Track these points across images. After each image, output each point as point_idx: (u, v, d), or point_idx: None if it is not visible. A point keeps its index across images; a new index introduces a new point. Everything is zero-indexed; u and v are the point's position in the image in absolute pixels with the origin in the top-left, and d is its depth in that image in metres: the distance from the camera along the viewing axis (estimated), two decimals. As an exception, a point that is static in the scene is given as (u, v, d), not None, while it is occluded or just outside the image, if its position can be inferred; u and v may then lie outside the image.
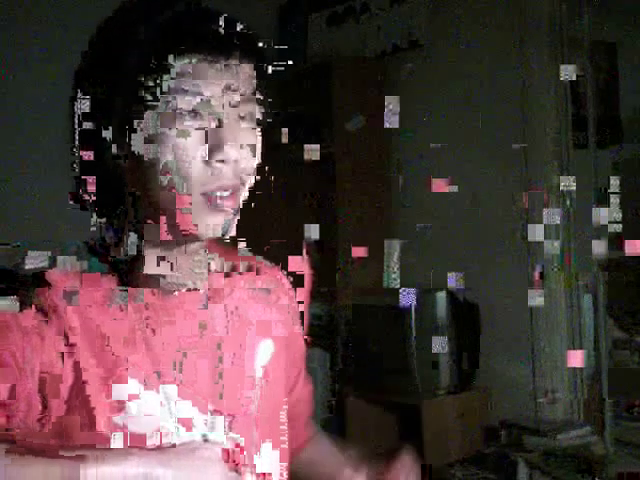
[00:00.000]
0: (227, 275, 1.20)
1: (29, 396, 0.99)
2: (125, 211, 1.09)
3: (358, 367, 3.40)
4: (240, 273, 1.23)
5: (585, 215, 3.35)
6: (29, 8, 3.49)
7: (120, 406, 1.04)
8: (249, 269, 1.25)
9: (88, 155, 1.06)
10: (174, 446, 0.99)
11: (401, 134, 3.69)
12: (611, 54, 4.42)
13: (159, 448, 0.99)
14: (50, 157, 3.53)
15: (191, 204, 1.03)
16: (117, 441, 1.00)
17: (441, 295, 3.22)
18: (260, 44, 1.08)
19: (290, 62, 1.13)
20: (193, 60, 1.00)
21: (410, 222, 3.66)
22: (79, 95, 1.05)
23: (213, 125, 1.02)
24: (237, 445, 1.10)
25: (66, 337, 1.02)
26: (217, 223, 1.05)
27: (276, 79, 1.11)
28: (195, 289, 1.14)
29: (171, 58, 1.00)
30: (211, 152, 1.02)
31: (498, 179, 3.33)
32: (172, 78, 1.00)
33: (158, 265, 1.11)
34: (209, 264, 1.18)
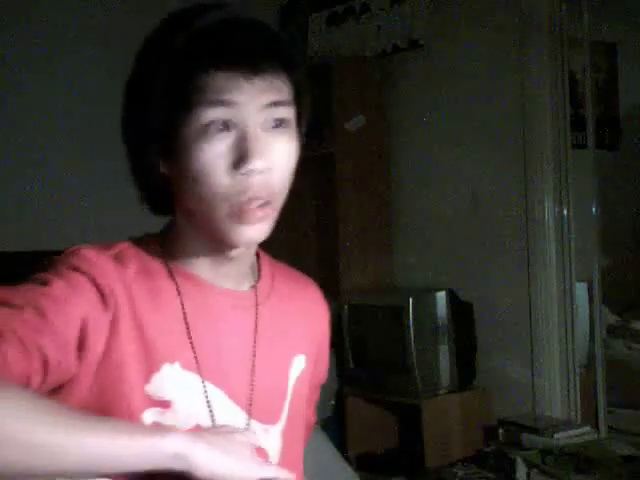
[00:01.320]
0: (270, 282, 1.20)
1: (68, 366, 0.99)
2: (174, 215, 1.12)
3: (358, 367, 3.41)
4: (284, 283, 1.23)
5: (584, 215, 3.37)
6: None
7: (157, 399, 1.04)
8: (292, 280, 1.25)
9: (135, 164, 1.09)
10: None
11: (401, 134, 3.69)
12: (611, 54, 4.42)
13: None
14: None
15: (221, 216, 1.03)
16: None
17: (441, 295, 3.22)
18: (288, 49, 1.08)
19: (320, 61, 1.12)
20: (219, 72, 1.01)
21: (410, 222, 3.67)
22: (126, 109, 1.09)
23: (241, 135, 1.02)
24: (264, 455, 1.10)
25: (114, 314, 1.03)
26: (248, 234, 1.05)
27: (310, 82, 1.11)
28: (238, 289, 1.15)
29: (198, 73, 1.01)
30: (236, 164, 1.02)
31: (498, 179, 3.33)
32: (199, 91, 1.01)
33: (204, 262, 1.11)
34: (256, 268, 1.19)
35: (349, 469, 2.76)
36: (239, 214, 1.03)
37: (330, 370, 3.94)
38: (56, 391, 1.00)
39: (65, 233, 3.33)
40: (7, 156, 3.42)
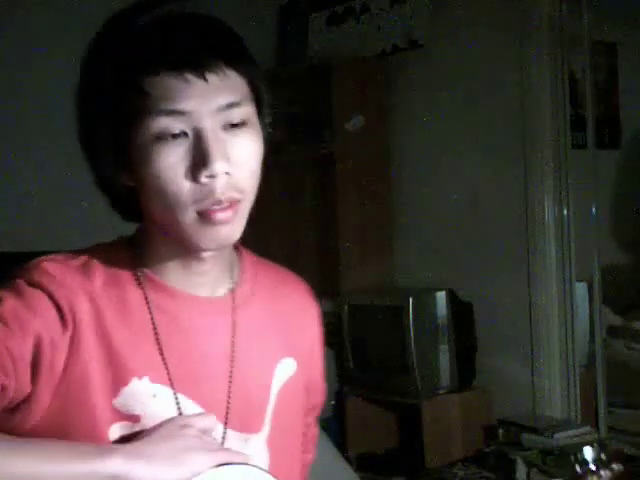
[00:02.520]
0: (251, 284, 1.15)
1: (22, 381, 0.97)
2: (143, 222, 1.10)
3: (358, 367, 3.40)
4: (269, 283, 1.18)
5: (584, 215, 3.37)
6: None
7: (125, 413, 1.02)
8: (277, 281, 1.21)
9: (96, 174, 1.07)
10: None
11: (401, 134, 3.69)
12: (611, 54, 4.42)
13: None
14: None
15: (188, 223, 1.00)
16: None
17: (441, 295, 3.22)
18: (236, 44, 1.03)
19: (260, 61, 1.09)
20: (166, 77, 0.97)
21: (410, 222, 3.66)
22: (79, 122, 1.06)
23: (197, 139, 0.98)
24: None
25: (74, 330, 1.01)
26: (219, 236, 1.02)
27: (267, 77, 1.07)
28: (213, 296, 1.11)
29: (141, 78, 0.97)
30: (197, 169, 0.98)
31: (498, 179, 3.33)
32: (147, 98, 0.97)
33: (176, 267, 1.08)
34: (237, 269, 1.14)
35: (349, 469, 2.76)
36: (207, 217, 1.00)
37: (330, 370, 3.92)
38: (14, 410, 0.98)
39: (65, 233, 3.33)
40: (7, 156, 3.41)
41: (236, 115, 1.00)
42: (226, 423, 1.09)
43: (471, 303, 3.28)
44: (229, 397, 1.09)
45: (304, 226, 3.87)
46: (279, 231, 3.72)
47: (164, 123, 0.97)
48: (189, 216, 1.00)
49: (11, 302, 0.98)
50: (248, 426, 1.11)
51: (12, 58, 3.46)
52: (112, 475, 0.94)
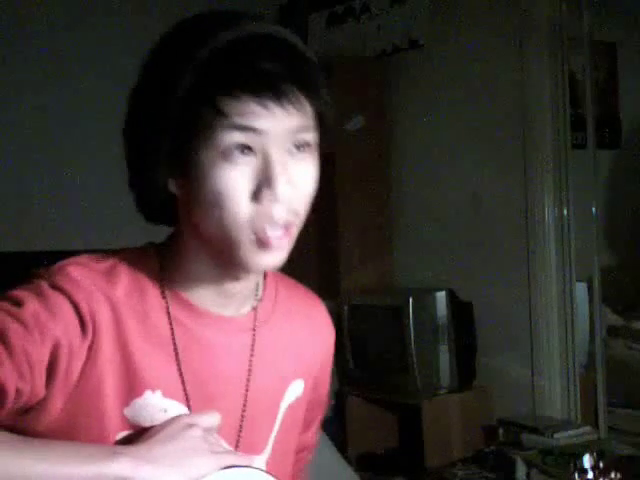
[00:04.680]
0: (272, 302, 1.15)
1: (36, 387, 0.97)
2: (177, 233, 1.08)
3: (358, 367, 3.41)
4: (288, 300, 1.18)
5: (584, 215, 3.38)
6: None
7: (134, 424, 1.02)
8: (295, 298, 1.20)
9: (139, 183, 1.04)
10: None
11: (401, 134, 3.69)
12: (611, 54, 4.42)
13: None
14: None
15: (241, 242, 0.99)
16: None
17: (441, 295, 3.22)
18: (315, 72, 1.03)
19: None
20: (244, 100, 0.96)
21: (410, 222, 3.67)
22: (133, 123, 1.04)
23: (264, 160, 0.98)
24: None
25: (93, 338, 1.00)
26: (268, 261, 1.02)
27: (332, 103, 1.05)
28: (237, 315, 1.10)
29: (221, 97, 0.96)
30: (260, 190, 0.97)
31: (498, 179, 3.33)
32: (222, 113, 0.96)
33: (205, 286, 1.07)
34: (260, 287, 1.14)
35: (349, 469, 2.76)
36: (264, 242, 0.99)
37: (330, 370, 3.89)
38: (26, 413, 0.98)
39: (65, 233, 3.34)
40: (7, 156, 3.42)
41: (302, 139, 1.00)
42: (237, 447, 1.09)
43: (471, 303, 3.28)
44: (242, 419, 1.10)
45: (304, 226, 3.87)
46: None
47: (236, 138, 0.97)
48: (242, 236, 0.98)
49: (33, 305, 0.97)
50: (253, 448, 1.11)
51: (12, 58, 3.46)
52: (118, 477, 0.94)
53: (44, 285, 1.00)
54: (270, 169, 0.97)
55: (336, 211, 3.59)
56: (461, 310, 3.25)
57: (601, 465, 1.12)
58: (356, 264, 3.60)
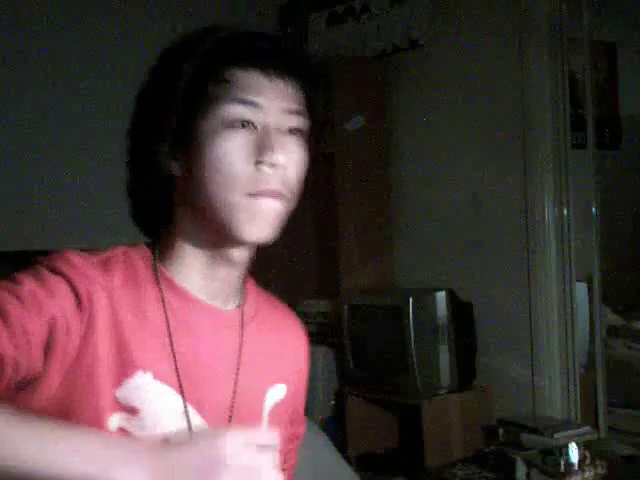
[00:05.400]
0: (255, 307, 1.20)
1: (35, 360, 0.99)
2: (170, 223, 1.12)
3: (358, 367, 3.41)
4: (268, 310, 1.23)
5: (584, 215, 3.38)
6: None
7: (125, 405, 1.04)
8: (275, 311, 1.25)
9: (142, 167, 1.10)
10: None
11: (401, 134, 3.69)
12: (611, 54, 4.43)
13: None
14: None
15: (236, 204, 1.05)
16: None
17: (441, 295, 3.22)
18: (309, 64, 1.14)
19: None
20: (246, 71, 1.06)
21: (410, 222, 3.67)
22: (138, 111, 1.11)
23: (263, 132, 1.06)
24: None
25: (89, 319, 1.03)
26: (257, 232, 1.07)
27: (322, 98, 1.17)
28: (224, 309, 1.14)
29: (225, 68, 1.06)
30: (261, 154, 1.05)
31: (498, 179, 3.33)
32: (225, 86, 1.05)
33: (197, 272, 1.12)
34: (242, 292, 1.18)
35: (349, 469, 2.76)
36: (255, 198, 1.05)
37: (330, 370, 3.92)
38: (23, 389, 1.00)
39: (65, 233, 3.34)
40: (7, 156, 3.42)
41: (296, 122, 1.09)
42: None
43: (471, 303, 3.29)
44: (231, 411, 1.12)
45: (304, 226, 3.88)
46: (279, 231, 3.71)
47: (239, 111, 1.05)
48: (239, 197, 1.05)
49: (31, 284, 1.01)
50: None
51: (12, 58, 3.46)
52: None
53: (42, 268, 1.04)
54: (269, 139, 1.06)
55: (336, 211, 3.59)
56: (461, 310, 3.25)
57: (587, 455, 1.13)
58: (356, 264, 3.60)
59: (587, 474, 1.15)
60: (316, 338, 3.60)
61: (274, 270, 4.00)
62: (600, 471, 1.15)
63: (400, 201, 3.70)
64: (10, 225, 3.35)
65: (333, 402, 3.52)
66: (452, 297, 3.23)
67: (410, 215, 3.67)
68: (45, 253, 1.08)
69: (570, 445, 1.14)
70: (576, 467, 1.14)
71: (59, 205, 3.48)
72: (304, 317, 3.67)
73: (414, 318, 3.14)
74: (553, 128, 3.18)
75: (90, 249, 1.11)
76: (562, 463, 1.12)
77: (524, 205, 3.22)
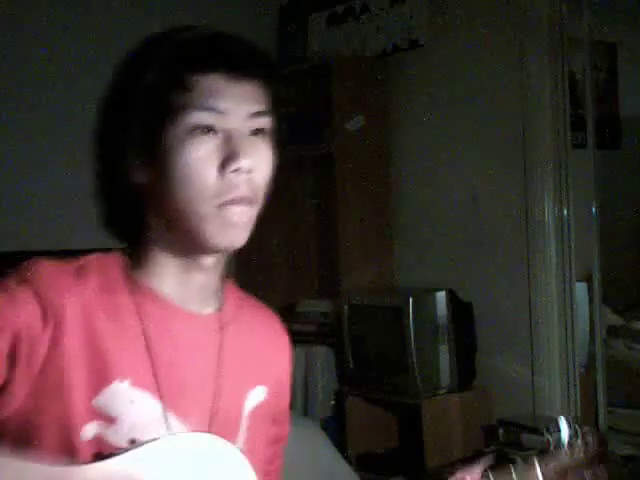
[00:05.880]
0: (233, 310, 1.19)
1: None
2: (142, 230, 1.12)
3: (358, 367, 3.40)
4: (249, 312, 1.22)
5: (584, 215, 3.37)
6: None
7: (102, 413, 1.03)
8: (254, 312, 1.24)
9: (108, 176, 1.14)
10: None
11: (401, 134, 3.69)
12: (611, 54, 4.43)
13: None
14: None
15: (206, 216, 1.04)
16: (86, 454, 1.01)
17: (441, 295, 3.22)
18: (269, 63, 1.12)
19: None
20: (207, 75, 1.05)
21: (410, 222, 3.67)
22: (101, 120, 1.14)
23: (227, 138, 1.05)
24: None
25: (56, 328, 1.02)
26: (230, 238, 1.06)
27: (285, 96, 1.14)
28: (201, 313, 1.14)
29: (187, 75, 1.05)
30: (225, 162, 1.04)
31: (498, 179, 3.33)
32: (188, 94, 1.04)
33: (172, 278, 1.11)
34: (221, 295, 1.18)
35: (349, 469, 2.76)
36: (225, 210, 1.05)
37: (330, 370, 3.92)
38: None
39: (65, 233, 3.34)
40: (7, 156, 3.42)
41: (260, 123, 1.08)
42: None
43: (471, 303, 3.29)
44: (211, 415, 1.11)
45: (304, 226, 3.88)
46: (279, 231, 3.72)
47: (202, 118, 1.04)
48: (208, 209, 1.04)
49: None
50: None
51: (12, 58, 3.46)
52: None
53: (9, 280, 1.04)
54: (232, 144, 1.05)
55: (336, 211, 3.59)
56: (461, 310, 3.25)
57: (577, 428, 1.12)
58: (356, 264, 3.60)
59: (577, 450, 1.14)
60: (316, 338, 3.60)
61: (274, 270, 4.00)
62: (590, 441, 1.14)
63: (400, 201, 3.70)
64: (10, 225, 3.35)
65: (333, 402, 3.52)
66: (452, 297, 3.23)
67: (410, 215, 3.67)
68: (43, 254, 1.08)
69: (560, 418, 1.13)
70: (566, 445, 1.13)
71: (59, 205, 3.48)
72: (304, 317, 3.68)
73: (414, 318, 3.14)
74: (553, 128, 3.18)
75: (95, 251, 1.11)
76: (550, 439, 1.11)
77: (524, 205, 3.22)
